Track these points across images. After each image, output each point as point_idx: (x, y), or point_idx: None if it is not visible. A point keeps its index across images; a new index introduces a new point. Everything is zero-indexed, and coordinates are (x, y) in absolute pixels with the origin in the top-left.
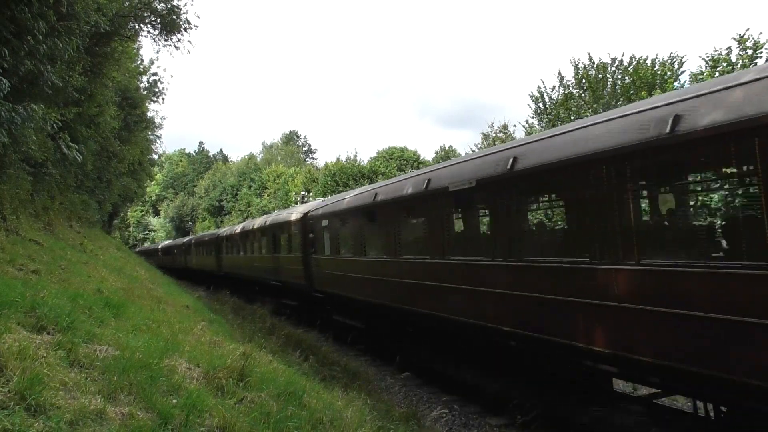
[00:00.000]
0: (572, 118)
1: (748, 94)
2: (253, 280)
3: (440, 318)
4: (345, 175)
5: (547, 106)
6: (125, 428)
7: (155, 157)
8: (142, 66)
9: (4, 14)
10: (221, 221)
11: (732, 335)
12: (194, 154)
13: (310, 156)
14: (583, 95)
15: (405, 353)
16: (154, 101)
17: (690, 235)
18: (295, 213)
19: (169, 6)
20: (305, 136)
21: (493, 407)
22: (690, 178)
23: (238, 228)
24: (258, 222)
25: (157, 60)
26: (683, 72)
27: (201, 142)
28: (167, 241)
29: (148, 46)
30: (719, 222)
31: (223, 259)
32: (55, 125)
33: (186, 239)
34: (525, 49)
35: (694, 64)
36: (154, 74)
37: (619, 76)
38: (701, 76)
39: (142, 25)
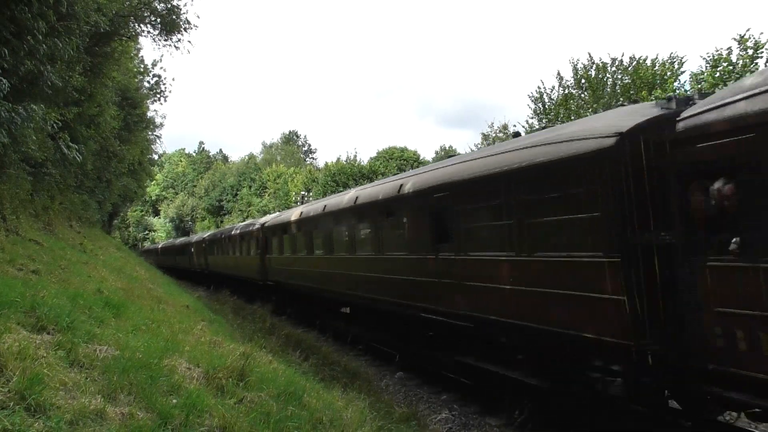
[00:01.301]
0: (572, 117)
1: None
2: (343, 301)
3: None
4: (345, 175)
5: (546, 106)
6: (125, 428)
7: (155, 157)
8: (143, 66)
9: (4, 14)
10: (221, 221)
11: None
12: (194, 154)
13: (310, 156)
14: (582, 95)
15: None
16: (156, 101)
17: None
18: (566, 143)
19: (169, 6)
20: (305, 136)
21: (493, 407)
22: None
23: (311, 208)
24: (377, 189)
25: (161, 61)
26: (683, 72)
27: (201, 142)
28: (180, 239)
29: (149, 46)
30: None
31: (272, 261)
32: (55, 125)
33: (205, 234)
34: (525, 49)
35: (694, 64)
36: (157, 75)
37: (619, 76)
38: (702, 76)
39: (142, 25)
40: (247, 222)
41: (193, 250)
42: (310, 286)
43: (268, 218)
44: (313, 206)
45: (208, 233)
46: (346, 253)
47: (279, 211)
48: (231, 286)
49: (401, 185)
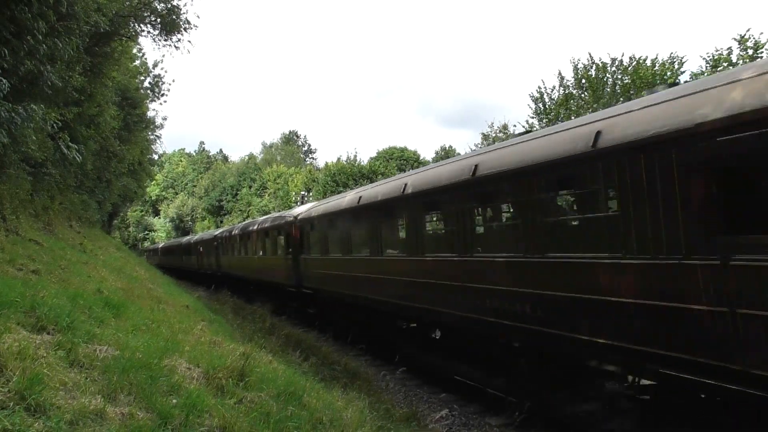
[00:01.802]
0: (572, 118)
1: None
2: None
3: None
4: (345, 175)
5: (546, 106)
6: (125, 428)
7: (155, 157)
8: (143, 67)
9: (4, 14)
10: (221, 221)
11: None
12: (194, 154)
13: (310, 156)
14: (583, 95)
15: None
16: (154, 101)
17: None
18: None
19: (169, 6)
20: (305, 136)
21: (493, 407)
22: None
23: (379, 190)
24: (529, 148)
25: (162, 62)
26: (684, 72)
27: (201, 142)
28: (187, 237)
29: (149, 46)
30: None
31: (310, 264)
32: (55, 125)
33: (216, 231)
34: (525, 50)
35: (694, 64)
36: (157, 76)
37: (619, 76)
38: (702, 77)
39: (142, 25)
40: (273, 215)
41: (201, 249)
42: (371, 297)
43: (304, 209)
44: (383, 188)
45: (220, 230)
46: (455, 253)
47: (279, 210)
48: (248, 291)
49: (598, 133)
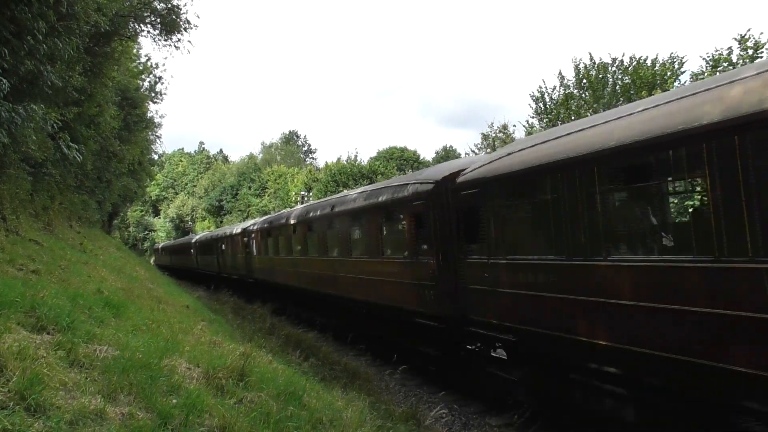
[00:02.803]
0: (572, 117)
1: None
2: None
3: None
4: (345, 175)
5: (547, 106)
6: (125, 428)
7: (155, 157)
8: (142, 66)
9: (4, 14)
10: (221, 221)
11: None
12: (194, 154)
13: (310, 156)
14: (583, 95)
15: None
16: (154, 102)
17: None
18: None
19: (169, 6)
20: (305, 136)
21: (493, 407)
22: None
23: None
24: None
25: (164, 65)
26: (684, 72)
27: (201, 142)
28: (210, 231)
29: (149, 46)
30: None
31: (493, 275)
32: (55, 125)
33: (247, 224)
34: (526, 49)
35: (694, 64)
36: (159, 78)
37: (620, 76)
38: (702, 76)
39: (142, 25)
40: (379, 184)
41: (223, 247)
42: None
43: (474, 162)
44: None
45: (254, 221)
46: None
47: (279, 210)
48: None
49: None
